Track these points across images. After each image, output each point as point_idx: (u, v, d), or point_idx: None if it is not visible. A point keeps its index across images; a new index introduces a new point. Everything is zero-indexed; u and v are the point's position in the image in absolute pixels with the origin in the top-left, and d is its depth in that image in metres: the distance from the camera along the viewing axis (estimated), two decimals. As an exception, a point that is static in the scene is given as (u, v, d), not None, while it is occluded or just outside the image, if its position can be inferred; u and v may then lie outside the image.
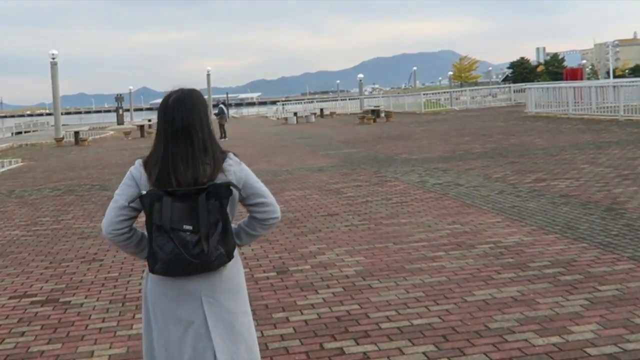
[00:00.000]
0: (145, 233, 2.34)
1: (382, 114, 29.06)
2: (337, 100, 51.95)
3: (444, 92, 44.89)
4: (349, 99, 45.50)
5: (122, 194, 2.34)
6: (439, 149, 14.83)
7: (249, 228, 2.47)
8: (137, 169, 2.36)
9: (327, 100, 54.35)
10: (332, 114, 37.33)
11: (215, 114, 27.45)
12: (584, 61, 61.81)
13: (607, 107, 20.19)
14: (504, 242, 5.84)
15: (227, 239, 2.28)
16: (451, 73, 76.11)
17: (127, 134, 28.20)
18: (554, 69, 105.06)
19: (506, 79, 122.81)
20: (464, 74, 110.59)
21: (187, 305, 2.32)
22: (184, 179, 2.26)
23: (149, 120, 38.42)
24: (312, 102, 45.43)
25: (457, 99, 40.11)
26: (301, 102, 55.13)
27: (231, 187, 2.26)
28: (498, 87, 45.87)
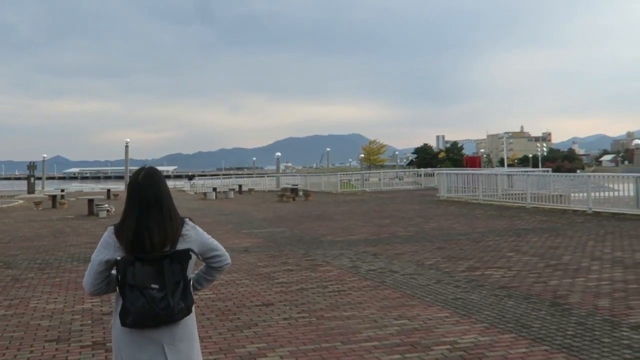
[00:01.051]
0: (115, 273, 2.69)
1: (301, 193, 28.57)
2: (252, 176, 51.32)
3: (356, 173, 45.39)
4: (267, 176, 44.93)
5: (97, 257, 2.70)
6: (364, 231, 14.32)
7: (208, 275, 2.97)
8: (109, 236, 2.71)
9: (245, 177, 53.71)
10: (250, 190, 36.55)
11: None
12: (482, 150, 64.66)
13: (515, 194, 20.56)
14: (460, 343, 5.19)
15: (187, 296, 2.66)
16: (363, 155, 77.50)
17: (37, 203, 26.11)
18: (454, 155, 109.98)
19: (411, 163, 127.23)
20: (373, 156, 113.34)
21: (151, 351, 2.63)
22: (158, 241, 2.65)
23: (62, 191, 36.16)
24: (230, 177, 44.48)
25: (367, 180, 40.57)
26: (219, 177, 54.13)
27: (190, 253, 2.72)
28: (411, 171, 46.72)
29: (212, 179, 50.75)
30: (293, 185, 30.72)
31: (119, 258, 2.65)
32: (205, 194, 32.09)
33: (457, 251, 10.61)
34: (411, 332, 5.57)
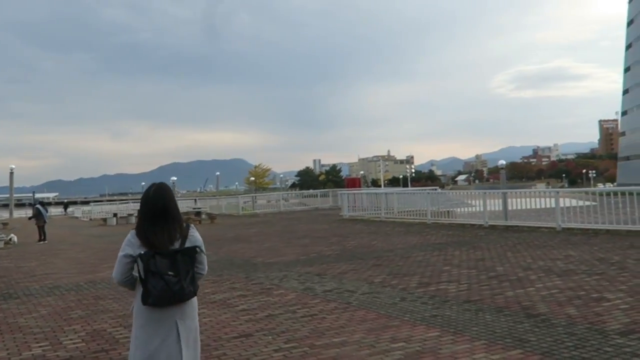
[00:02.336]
0: (137, 278, 3.32)
1: (204, 216, 27.29)
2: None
3: (246, 196, 44.51)
4: (180, 199, 42.67)
5: (122, 253, 3.34)
6: (290, 252, 13.66)
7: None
8: (133, 237, 3.36)
9: (130, 202, 50.53)
10: (150, 215, 34.47)
11: (30, 217, 23.49)
12: (362, 172, 66.21)
13: (415, 211, 20.84)
14: (477, 364, 4.77)
15: (194, 282, 3.32)
16: (253, 179, 76.67)
17: None
18: (334, 177, 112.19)
19: (293, 186, 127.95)
20: (259, 179, 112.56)
21: (166, 325, 3.28)
22: (165, 239, 3.30)
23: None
24: (127, 202, 41.80)
25: (255, 202, 39.92)
26: (103, 203, 50.73)
27: (197, 249, 3.38)
28: (306, 192, 46.29)
29: (95, 204, 47.46)
30: (196, 208, 29.27)
31: (142, 252, 3.26)
32: (105, 219, 29.72)
33: (395, 267, 10.29)
34: (419, 356, 5.07)
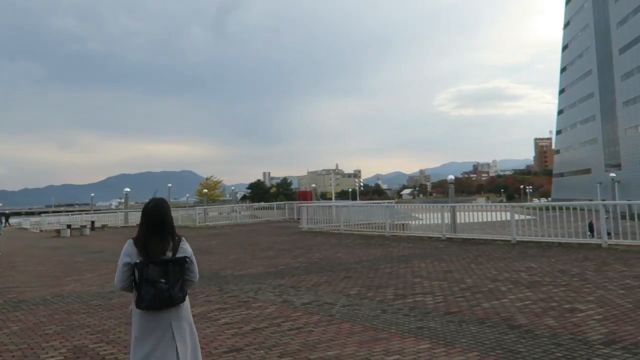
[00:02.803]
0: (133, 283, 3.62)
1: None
2: (90, 213, 46.60)
3: (225, 206, 43.74)
4: (120, 212, 41.28)
5: (122, 261, 3.61)
6: (257, 264, 13.42)
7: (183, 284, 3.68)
8: (130, 246, 3.63)
9: (76, 213, 48.58)
10: (103, 226, 33.27)
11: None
12: (313, 185, 66.12)
13: (374, 224, 20.93)
14: (476, 376, 4.74)
15: (183, 288, 3.62)
16: (206, 191, 75.37)
17: None
18: (285, 190, 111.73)
19: (244, 198, 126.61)
20: (210, 191, 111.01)
21: (162, 327, 3.56)
22: (159, 250, 3.58)
23: None
24: (80, 214, 40.30)
25: (207, 214, 39.17)
26: (49, 214, 48.71)
27: (187, 259, 3.67)
28: (264, 205, 45.62)
29: (46, 215, 45.54)
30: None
31: (137, 261, 3.54)
32: (58, 231, 28.47)
33: (366, 280, 10.24)
34: (418, 368, 5.00)
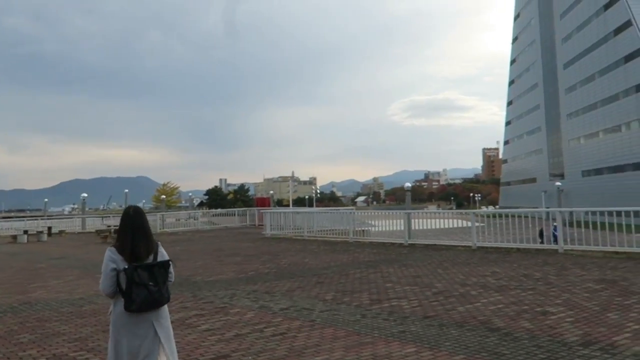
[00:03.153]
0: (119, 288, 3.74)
1: (122, 234, 25.81)
2: (44, 218, 44.74)
3: (182, 212, 42.81)
4: (77, 217, 39.75)
5: (107, 268, 3.73)
6: (226, 269, 13.21)
7: None
8: (114, 253, 3.77)
9: (28, 219, 46.62)
10: (60, 232, 32.10)
11: None
12: (271, 192, 65.81)
13: (337, 230, 20.96)
14: (467, 378, 4.77)
15: (168, 289, 3.88)
16: (164, 197, 73.90)
17: None
18: (242, 197, 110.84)
19: (201, 204, 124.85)
20: (168, 198, 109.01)
21: (144, 326, 3.74)
22: (144, 252, 3.78)
23: None
24: (36, 219, 38.74)
25: (164, 220, 38.23)
26: (23, 220, 46.67)
27: (171, 262, 3.92)
28: (228, 210, 44.83)
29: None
30: (114, 226, 27.59)
31: (126, 267, 3.68)
32: (15, 237, 27.25)
33: (339, 285, 10.23)
34: (409, 372, 5.00)
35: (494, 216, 20.17)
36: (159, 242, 3.97)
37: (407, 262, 13.39)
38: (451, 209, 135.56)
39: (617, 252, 13.47)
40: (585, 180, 73.64)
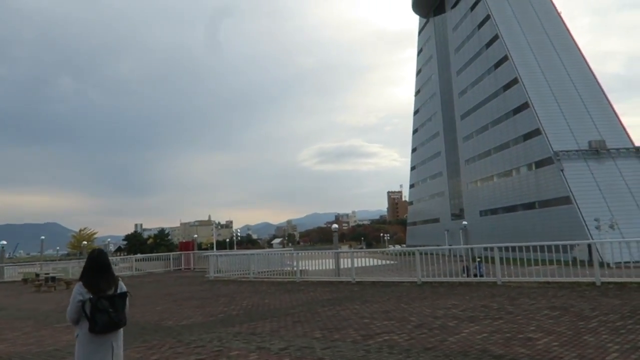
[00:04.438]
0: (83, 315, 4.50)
1: (61, 282, 23.94)
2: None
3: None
4: (6, 265, 35.88)
5: (75, 299, 4.46)
6: (191, 313, 12.59)
7: None
8: (81, 287, 4.53)
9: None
10: (-20, 282, 29.14)
11: None
12: (195, 235, 63.82)
13: (281, 270, 20.72)
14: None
15: (125, 314, 4.60)
16: (85, 242, 69.47)
17: None
18: (162, 242, 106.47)
19: (119, 250, 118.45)
20: (84, 242, 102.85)
21: (105, 347, 4.48)
22: (107, 286, 4.54)
23: None
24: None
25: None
26: None
27: (128, 293, 4.69)
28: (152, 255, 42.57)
29: None
30: (47, 274, 25.39)
31: (90, 297, 4.44)
32: None
33: (318, 323, 10.11)
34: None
35: (408, 254, 20.62)
36: (119, 278, 4.80)
37: (366, 299, 13.48)
38: (361, 248, 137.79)
39: (548, 282, 14.39)
40: (482, 220, 77.96)
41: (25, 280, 29.08)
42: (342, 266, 21.28)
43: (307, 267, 22.96)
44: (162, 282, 23.76)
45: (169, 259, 34.78)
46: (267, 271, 21.62)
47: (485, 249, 23.98)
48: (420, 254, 21.38)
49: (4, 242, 39.97)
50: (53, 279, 23.16)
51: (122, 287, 4.73)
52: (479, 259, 24.96)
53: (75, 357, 4.54)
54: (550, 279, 14.52)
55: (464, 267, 24.07)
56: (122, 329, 4.68)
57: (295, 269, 19.98)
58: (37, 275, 28.75)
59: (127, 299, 4.68)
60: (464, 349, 7.18)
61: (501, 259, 17.24)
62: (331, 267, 21.19)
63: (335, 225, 39.65)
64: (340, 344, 7.99)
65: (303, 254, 24.71)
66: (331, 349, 7.71)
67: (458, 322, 9.33)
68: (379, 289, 15.73)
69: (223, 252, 27.22)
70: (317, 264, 21.33)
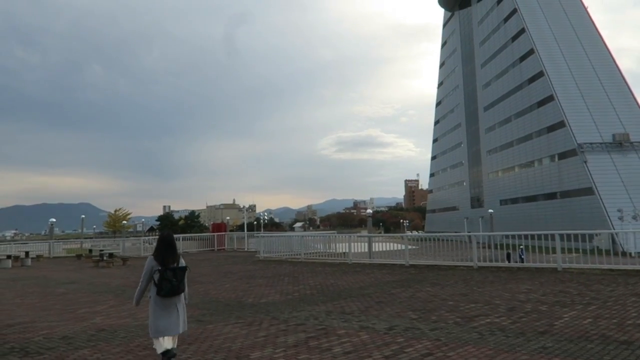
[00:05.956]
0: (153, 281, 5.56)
1: (118, 258, 24.05)
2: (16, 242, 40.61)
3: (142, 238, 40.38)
4: (54, 241, 36.21)
5: (148, 267, 5.55)
6: (265, 292, 12.34)
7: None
8: (152, 259, 5.54)
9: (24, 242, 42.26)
10: (38, 257, 29.45)
11: None
12: (228, 218, 64.01)
13: (336, 253, 20.47)
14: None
15: (184, 284, 5.60)
16: (125, 222, 70.26)
17: None
18: (192, 223, 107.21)
19: (151, 229, 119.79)
20: (118, 223, 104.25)
21: (171, 306, 5.48)
22: (171, 260, 5.51)
23: None
24: (9, 243, 35.32)
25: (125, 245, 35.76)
26: None
27: (187, 267, 5.63)
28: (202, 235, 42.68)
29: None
30: (103, 251, 25.43)
31: (159, 268, 5.43)
32: (-1, 261, 24.64)
33: (405, 304, 9.77)
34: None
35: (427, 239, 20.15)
36: (181, 254, 5.75)
37: (433, 282, 13.11)
38: (380, 233, 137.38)
39: (612, 270, 13.87)
40: (502, 208, 76.88)
41: (79, 256, 29.32)
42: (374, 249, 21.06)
43: (346, 250, 22.70)
44: (212, 260, 23.66)
45: (204, 239, 34.76)
46: (316, 252, 21.37)
47: (507, 236, 23.87)
48: (462, 240, 20.93)
49: (53, 220, 40.36)
50: (111, 255, 23.21)
51: (183, 262, 5.61)
52: (521, 247, 24.43)
53: (150, 313, 5.52)
54: (614, 266, 14.00)
55: (507, 253, 23.60)
56: (182, 294, 5.60)
57: (347, 251, 19.65)
58: (91, 251, 28.98)
59: (186, 272, 5.56)
60: (580, 334, 6.80)
61: (526, 246, 17.17)
62: (362, 250, 21.02)
63: (369, 210, 39.32)
64: (444, 325, 7.66)
65: (345, 237, 24.39)
66: (439, 330, 7.38)
67: (548, 306, 8.93)
68: (438, 272, 15.34)
69: (270, 234, 27.03)
70: (357, 246, 21.08)
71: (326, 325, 8.06)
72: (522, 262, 19.61)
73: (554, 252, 16.03)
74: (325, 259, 20.42)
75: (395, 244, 26.33)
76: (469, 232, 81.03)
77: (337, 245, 21.51)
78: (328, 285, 13.08)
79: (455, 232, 59.78)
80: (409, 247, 19.00)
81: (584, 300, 9.50)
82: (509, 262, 22.12)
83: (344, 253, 20.79)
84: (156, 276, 5.36)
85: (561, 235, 14.91)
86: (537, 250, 16.21)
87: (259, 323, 8.41)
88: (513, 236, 19.59)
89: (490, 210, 66.09)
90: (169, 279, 5.31)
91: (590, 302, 9.27)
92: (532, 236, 17.24)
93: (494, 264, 16.04)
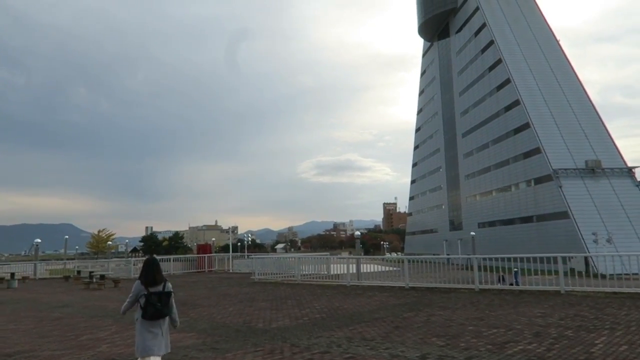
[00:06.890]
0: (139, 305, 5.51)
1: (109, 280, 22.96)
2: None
3: (123, 260, 38.96)
4: (40, 262, 34.58)
5: (132, 293, 5.51)
6: (272, 316, 11.68)
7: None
8: (139, 284, 5.48)
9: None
10: (24, 278, 28.01)
11: None
12: (213, 239, 62.74)
13: (330, 274, 19.84)
14: None
15: (171, 309, 5.53)
16: (110, 243, 68.33)
17: None
18: (176, 244, 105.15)
19: (134, 251, 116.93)
20: (102, 244, 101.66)
21: (156, 327, 5.44)
22: (158, 282, 5.48)
23: None
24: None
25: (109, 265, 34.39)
26: None
27: (172, 292, 5.56)
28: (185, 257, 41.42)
29: None
30: (94, 272, 24.31)
31: (146, 293, 5.44)
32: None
33: (425, 329, 9.25)
34: None
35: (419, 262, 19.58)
36: (166, 279, 5.64)
37: (440, 305, 12.63)
38: (359, 254, 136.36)
39: (615, 292, 13.58)
40: (481, 231, 77.06)
41: (66, 278, 28.06)
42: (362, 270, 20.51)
43: (340, 272, 22.10)
44: (205, 282, 22.77)
45: (190, 261, 33.85)
46: (312, 274, 20.71)
47: (491, 259, 23.29)
48: (441, 262, 20.52)
49: (39, 240, 38.70)
50: (102, 277, 22.16)
51: (169, 287, 5.60)
52: (515, 269, 24.13)
53: (136, 334, 5.50)
54: (617, 289, 13.72)
55: (500, 276, 23.27)
56: (167, 317, 5.57)
57: (347, 272, 19.05)
58: (79, 272, 27.76)
59: (171, 296, 5.58)
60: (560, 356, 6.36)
61: (503, 268, 16.86)
62: (345, 271, 20.38)
63: (357, 233, 38.84)
64: (478, 353, 7.15)
65: (335, 259, 23.75)
66: (477, 359, 6.86)
67: (573, 332, 8.51)
68: (440, 295, 14.87)
69: (265, 255, 26.25)
70: (342, 268, 20.49)
71: (353, 353, 7.46)
72: (517, 284, 19.29)
73: (535, 274, 15.88)
74: (322, 281, 19.76)
75: (381, 266, 25.81)
76: (448, 254, 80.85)
77: (333, 266, 20.86)
78: (335, 309, 12.47)
79: (448, 255, 59.44)
80: (391, 268, 18.50)
81: (605, 324, 9.10)
82: (502, 284, 21.83)
83: (338, 275, 20.24)
84: (142, 300, 5.41)
85: (545, 258, 14.69)
86: (520, 273, 15.81)
87: (280, 351, 7.77)
88: (503, 259, 18.98)
89: (472, 233, 66.12)
90: (153, 303, 5.39)
91: (613, 327, 8.88)
92: (515, 259, 16.48)
93: (495, 286, 15.64)
